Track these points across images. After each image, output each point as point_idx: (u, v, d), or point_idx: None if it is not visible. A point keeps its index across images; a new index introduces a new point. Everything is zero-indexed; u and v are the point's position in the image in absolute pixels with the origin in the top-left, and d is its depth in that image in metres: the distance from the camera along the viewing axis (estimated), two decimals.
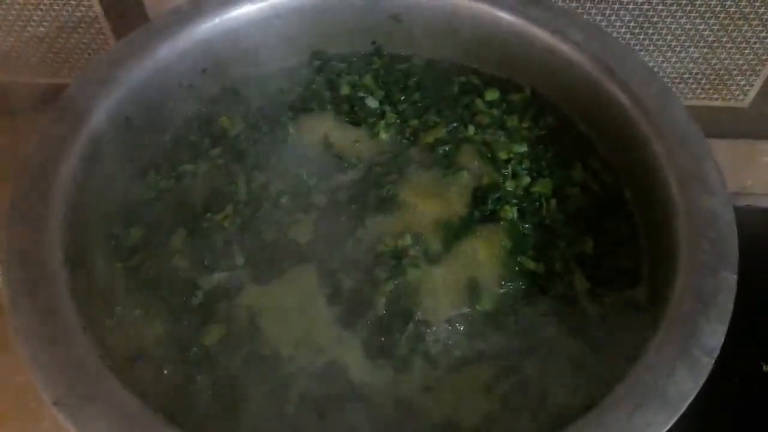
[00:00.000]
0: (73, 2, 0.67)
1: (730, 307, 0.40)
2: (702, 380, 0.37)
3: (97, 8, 0.67)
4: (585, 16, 0.68)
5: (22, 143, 0.72)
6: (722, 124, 0.78)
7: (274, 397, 0.43)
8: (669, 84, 0.75)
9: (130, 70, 0.51)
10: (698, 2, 0.66)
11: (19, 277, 0.41)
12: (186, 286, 0.47)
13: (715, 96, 0.77)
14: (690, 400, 0.37)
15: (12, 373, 0.58)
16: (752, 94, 0.76)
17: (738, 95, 0.76)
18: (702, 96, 0.77)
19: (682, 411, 0.37)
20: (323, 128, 0.57)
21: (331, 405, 0.43)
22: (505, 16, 0.57)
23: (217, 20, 0.55)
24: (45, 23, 0.69)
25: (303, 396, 0.43)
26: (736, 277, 0.41)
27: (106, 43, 0.71)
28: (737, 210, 0.44)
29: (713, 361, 0.38)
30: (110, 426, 0.35)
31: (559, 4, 0.67)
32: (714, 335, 0.39)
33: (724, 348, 0.39)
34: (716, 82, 0.75)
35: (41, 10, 0.68)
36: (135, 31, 0.54)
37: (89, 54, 0.72)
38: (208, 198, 0.52)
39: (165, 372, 0.43)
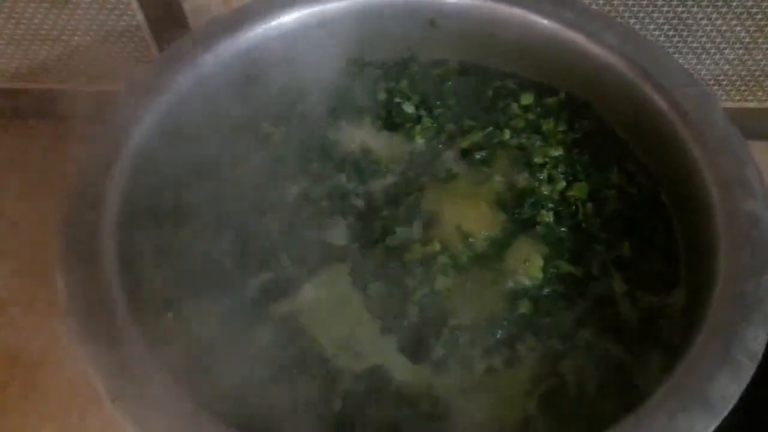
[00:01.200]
0: (117, 12, 0.69)
1: None
2: (744, 384, 0.37)
3: (140, 17, 0.69)
4: (618, 19, 0.68)
5: (69, 148, 0.75)
6: (759, 126, 0.78)
7: (323, 393, 0.44)
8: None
9: (174, 80, 0.53)
10: (734, 3, 0.66)
11: (75, 280, 0.42)
12: (236, 286, 0.48)
13: (751, 98, 0.76)
14: (732, 405, 0.37)
15: (58, 370, 0.60)
16: None
17: None
18: (737, 98, 0.76)
19: (724, 415, 0.37)
20: (361, 134, 0.58)
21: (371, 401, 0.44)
22: (539, 20, 0.57)
23: (258, 30, 0.56)
24: (90, 32, 0.71)
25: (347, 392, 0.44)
26: None
27: (149, 51, 0.73)
28: None
29: (756, 365, 0.38)
30: (170, 425, 0.36)
31: (593, 7, 0.67)
32: (757, 339, 0.39)
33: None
34: (752, 84, 0.74)
35: (87, 20, 0.70)
36: (177, 41, 0.55)
37: (132, 62, 0.74)
38: (253, 201, 0.53)
39: (219, 372, 0.44)
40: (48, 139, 0.77)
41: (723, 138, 0.48)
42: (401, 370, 0.45)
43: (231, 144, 0.56)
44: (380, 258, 0.50)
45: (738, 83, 0.75)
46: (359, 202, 0.53)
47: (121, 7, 0.68)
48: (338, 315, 0.48)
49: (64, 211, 0.45)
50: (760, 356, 0.38)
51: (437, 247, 0.49)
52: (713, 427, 0.36)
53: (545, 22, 0.57)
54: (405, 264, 0.49)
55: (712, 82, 0.74)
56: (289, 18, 0.57)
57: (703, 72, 0.73)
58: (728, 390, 0.37)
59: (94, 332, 0.40)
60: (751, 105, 0.77)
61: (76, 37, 0.71)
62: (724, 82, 0.75)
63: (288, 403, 0.43)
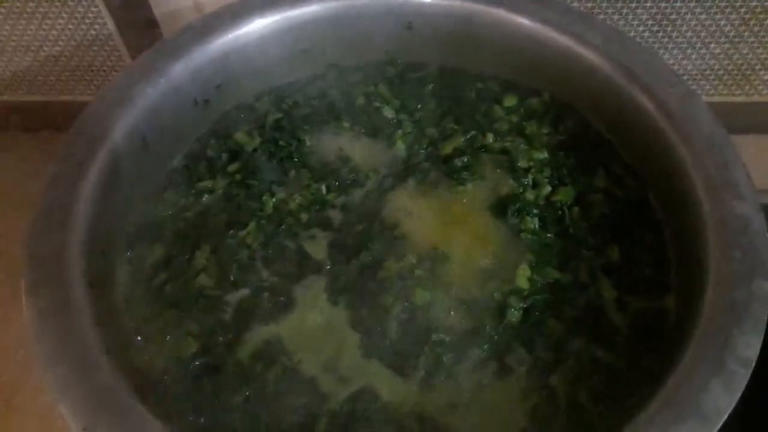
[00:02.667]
0: (87, 21, 0.67)
1: (765, 316, 0.39)
2: (738, 393, 0.36)
3: (111, 26, 0.67)
4: (602, 16, 0.67)
5: (42, 159, 0.73)
6: (747, 119, 0.77)
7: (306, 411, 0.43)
8: (690, 81, 0.73)
9: (144, 90, 0.51)
10: None
11: (41, 302, 0.41)
12: (214, 303, 0.47)
13: (738, 92, 0.75)
14: (727, 414, 0.36)
15: (37, 393, 0.58)
16: None
17: (762, 90, 0.75)
18: (724, 92, 0.75)
19: (719, 425, 0.36)
20: (339, 140, 0.56)
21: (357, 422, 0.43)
22: (522, 20, 0.56)
23: (229, 36, 0.54)
24: (61, 42, 0.69)
25: (333, 412, 0.43)
26: None
27: (121, 60, 0.71)
28: (765, 207, 0.43)
29: (749, 373, 0.37)
30: None
31: (575, 4, 0.65)
32: (749, 347, 0.38)
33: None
34: (738, 77, 0.74)
35: (56, 29, 0.68)
36: (148, 50, 0.53)
37: (104, 71, 0.72)
38: (230, 214, 0.51)
39: (196, 390, 0.43)
40: (21, 151, 0.76)
41: (709, 138, 0.47)
42: (388, 389, 0.44)
43: (203, 154, 0.55)
44: (355, 275, 0.48)
45: (725, 77, 0.74)
46: (337, 214, 0.52)
47: (91, 15, 0.66)
48: (321, 333, 0.46)
49: (30, 232, 0.44)
50: (753, 364, 0.37)
51: (412, 260, 0.48)
52: None
53: (527, 22, 0.55)
54: (380, 280, 0.48)
55: (698, 76, 0.73)
56: (261, 23, 0.55)
57: (689, 67, 0.72)
58: (722, 400, 0.36)
59: (62, 360, 0.38)
60: (739, 99, 0.76)
61: (45, 48, 0.69)
62: (711, 77, 0.74)
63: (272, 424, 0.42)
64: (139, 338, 0.44)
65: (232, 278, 0.48)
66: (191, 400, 0.43)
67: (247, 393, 0.43)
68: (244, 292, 0.48)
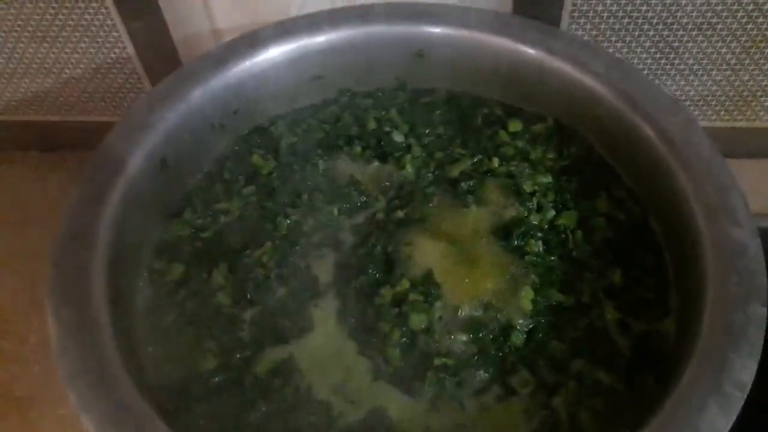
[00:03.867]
0: (108, 45, 0.69)
1: (761, 340, 0.40)
2: (734, 416, 0.38)
3: (131, 50, 0.70)
4: (606, 44, 0.69)
5: (62, 179, 0.75)
6: (749, 144, 0.78)
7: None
8: (692, 106, 0.75)
9: (164, 115, 0.53)
10: (719, 26, 0.67)
11: (65, 319, 0.43)
12: (232, 320, 0.49)
13: (740, 117, 0.77)
14: None
15: (53, 406, 0.60)
16: None
17: (763, 116, 0.76)
18: (726, 117, 0.77)
19: None
20: (351, 164, 0.58)
21: None
22: (526, 49, 0.58)
23: (246, 63, 0.57)
24: (82, 65, 0.71)
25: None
26: (766, 309, 0.41)
27: (140, 83, 0.73)
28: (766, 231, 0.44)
29: (745, 396, 0.38)
30: None
31: (580, 32, 0.67)
32: (745, 370, 0.39)
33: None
34: (740, 103, 0.75)
35: (78, 53, 0.70)
36: (169, 76, 0.56)
37: (123, 93, 0.74)
38: (246, 235, 0.53)
39: (215, 406, 0.44)
40: (42, 170, 0.78)
41: (708, 164, 0.49)
42: (397, 409, 0.45)
43: (220, 177, 0.57)
44: (355, 300, 0.50)
45: (726, 103, 0.75)
46: (348, 237, 0.53)
47: (111, 40, 0.69)
48: (331, 356, 0.48)
49: (54, 249, 0.46)
50: (749, 387, 0.38)
51: (406, 285, 0.49)
52: None
53: (532, 51, 0.57)
54: (377, 307, 0.48)
55: (700, 102, 0.75)
56: (276, 51, 0.58)
57: (692, 93, 0.74)
58: (719, 422, 0.37)
59: (85, 374, 0.40)
60: (740, 124, 0.77)
61: (67, 70, 0.72)
62: (713, 102, 0.75)
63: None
64: (159, 355, 0.46)
65: (248, 296, 0.50)
66: (210, 416, 0.44)
67: (264, 409, 0.45)
68: (260, 310, 0.50)
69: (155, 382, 0.43)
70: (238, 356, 0.47)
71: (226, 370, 0.47)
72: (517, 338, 0.47)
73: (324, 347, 0.48)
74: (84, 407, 0.39)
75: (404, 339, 0.47)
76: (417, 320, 0.47)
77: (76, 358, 0.41)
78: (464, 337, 0.47)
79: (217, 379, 0.46)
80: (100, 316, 0.43)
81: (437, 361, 0.46)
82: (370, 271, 0.50)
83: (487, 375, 0.46)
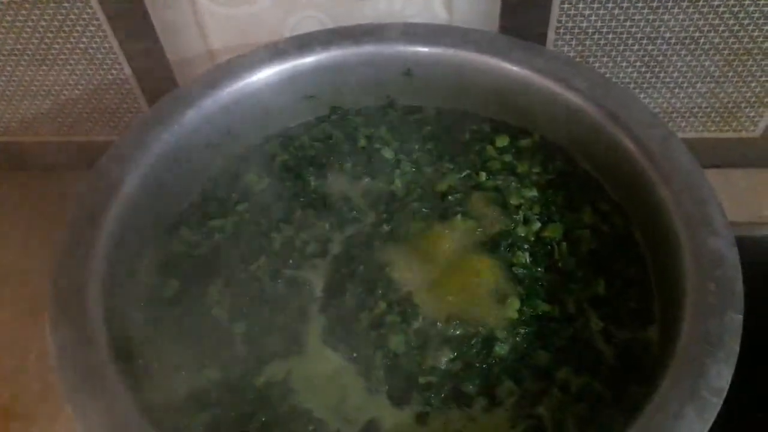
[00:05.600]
0: (105, 66, 0.71)
1: (737, 347, 0.41)
2: (710, 421, 0.39)
3: (128, 70, 0.71)
4: (591, 59, 0.70)
5: (61, 198, 0.76)
6: (736, 154, 0.79)
7: None
8: (679, 119, 0.76)
9: (160, 135, 0.55)
10: (701, 40, 0.68)
11: (63, 336, 0.44)
12: (228, 336, 0.50)
13: (726, 128, 0.78)
14: None
15: (52, 422, 0.61)
16: (762, 124, 0.77)
17: (748, 126, 0.77)
18: (713, 129, 0.78)
19: None
20: (342, 180, 0.60)
21: None
22: (511, 67, 0.59)
23: (240, 84, 0.58)
24: (80, 86, 0.73)
25: None
26: (741, 317, 0.42)
27: (136, 102, 0.75)
28: (755, 240, 0.45)
29: (721, 402, 0.39)
30: None
31: (566, 48, 0.69)
32: (720, 376, 0.40)
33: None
34: (726, 114, 0.76)
35: (76, 74, 0.72)
36: (163, 97, 0.57)
37: (120, 113, 0.76)
38: (240, 250, 0.54)
39: (213, 419, 0.45)
40: (41, 189, 0.79)
41: (687, 177, 0.50)
42: (389, 420, 0.46)
43: (214, 195, 0.58)
44: (339, 322, 0.51)
45: (712, 114, 0.77)
46: (338, 250, 0.55)
47: (109, 61, 0.70)
48: (325, 375, 0.49)
49: (54, 269, 0.47)
50: (724, 393, 0.39)
51: (383, 307, 0.50)
52: None
53: (517, 69, 0.59)
54: (358, 332, 0.50)
55: (687, 114, 0.76)
56: (268, 72, 0.59)
57: (678, 105, 0.75)
58: (694, 428, 0.38)
59: (84, 390, 0.41)
60: (727, 135, 0.79)
61: (66, 92, 0.74)
62: (699, 114, 0.77)
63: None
64: (156, 369, 0.47)
65: (244, 311, 0.51)
66: (209, 430, 0.45)
67: (264, 419, 0.46)
68: (256, 324, 0.51)
69: (153, 396, 0.44)
70: (236, 370, 0.48)
71: (224, 384, 0.48)
72: (501, 349, 0.48)
73: (317, 364, 0.49)
74: (83, 422, 0.40)
75: (386, 361, 0.48)
76: (396, 341, 0.48)
77: (74, 374, 0.42)
78: (448, 355, 0.48)
79: (214, 393, 0.47)
80: (97, 334, 0.44)
81: (422, 380, 0.47)
82: (351, 293, 0.51)
83: (472, 388, 0.47)
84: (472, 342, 0.48)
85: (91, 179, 0.52)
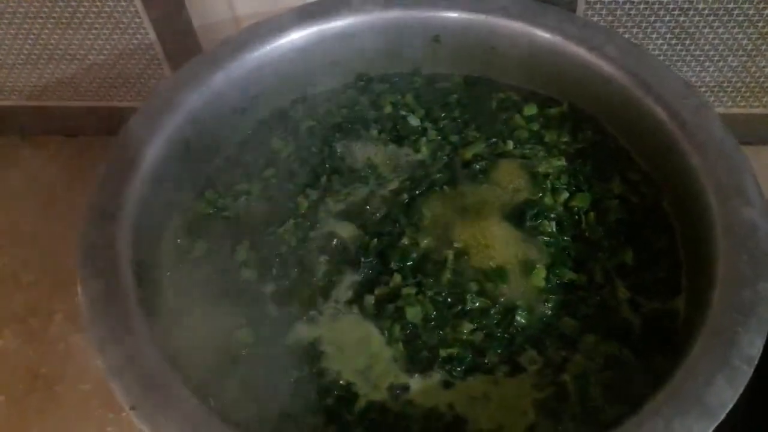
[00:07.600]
0: (130, 31, 0.71)
1: None
2: (741, 389, 0.38)
3: (152, 36, 0.71)
4: (621, 29, 0.69)
5: (86, 163, 0.77)
6: (766, 131, 0.78)
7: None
8: (708, 93, 0.75)
9: (188, 98, 0.55)
10: (735, 11, 0.67)
11: (94, 292, 0.44)
12: (257, 295, 0.50)
13: (756, 104, 0.77)
14: (728, 409, 0.38)
15: (77, 381, 0.62)
16: None
17: None
18: (742, 104, 0.77)
19: (720, 419, 0.38)
20: (368, 147, 0.59)
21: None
22: (542, 34, 0.58)
23: (266, 48, 0.58)
24: (105, 51, 0.73)
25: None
26: None
27: (160, 68, 0.75)
28: None
29: (752, 370, 0.39)
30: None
31: (596, 18, 0.68)
32: (753, 344, 0.40)
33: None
34: (757, 90, 0.75)
35: (101, 39, 0.72)
36: (190, 61, 0.57)
37: (144, 78, 0.76)
38: (267, 213, 0.55)
39: (244, 376, 0.46)
40: (65, 154, 0.80)
41: (721, 147, 0.49)
42: (414, 386, 0.47)
43: (240, 159, 0.58)
44: (361, 293, 0.51)
45: (743, 89, 0.75)
46: (364, 216, 0.54)
47: (134, 26, 0.70)
48: (353, 336, 0.49)
49: (82, 224, 0.47)
50: (756, 361, 0.39)
51: (398, 279, 0.50)
52: (709, 431, 0.37)
53: (547, 35, 0.58)
54: (377, 302, 0.49)
55: (716, 88, 0.75)
56: (294, 37, 0.59)
57: (707, 79, 0.74)
58: (725, 395, 0.38)
59: (114, 344, 0.42)
60: (757, 111, 0.77)
61: (90, 56, 0.74)
62: (729, 89, 0.75)
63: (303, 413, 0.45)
64: (186, 328, 0.47)
65: (274, 272, 0.52)
66: (240, 387, 0.46)
67: (297, 375, 0.46)
68: (285, 285, 0.51)
69: (182, 352, 0.44)
70: (265, 330, 0.49)
71: (254, 343, 0.48)
72: (524, 318, 0.48)
73: (346, 330, 0.49)
74: (113, 374, 0.41)
75: (407, 331, 0.48)
76: (413, 313, 0.48)
77: (104, 327, 0.43)
78: (470, 325, 0.48)
79: (245, 351, 0.47)
80: (127, 288, 0.44)
81: (443, 353, 0.47)
82: (366, 264, 0.51)
83: (495, 359, 0.47)
84: (495, 311, 0.48)
85: (120, 140, 0.52)
